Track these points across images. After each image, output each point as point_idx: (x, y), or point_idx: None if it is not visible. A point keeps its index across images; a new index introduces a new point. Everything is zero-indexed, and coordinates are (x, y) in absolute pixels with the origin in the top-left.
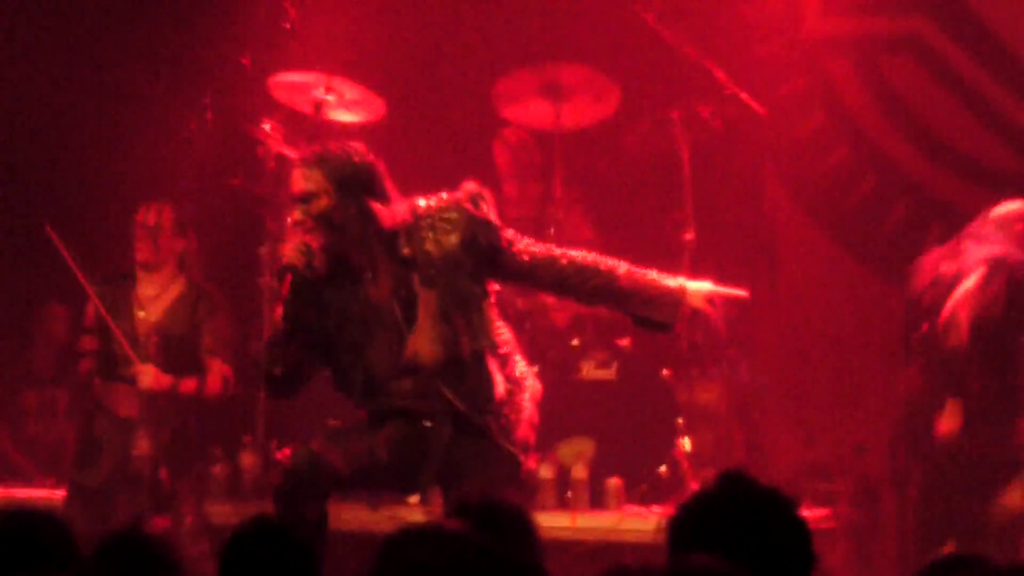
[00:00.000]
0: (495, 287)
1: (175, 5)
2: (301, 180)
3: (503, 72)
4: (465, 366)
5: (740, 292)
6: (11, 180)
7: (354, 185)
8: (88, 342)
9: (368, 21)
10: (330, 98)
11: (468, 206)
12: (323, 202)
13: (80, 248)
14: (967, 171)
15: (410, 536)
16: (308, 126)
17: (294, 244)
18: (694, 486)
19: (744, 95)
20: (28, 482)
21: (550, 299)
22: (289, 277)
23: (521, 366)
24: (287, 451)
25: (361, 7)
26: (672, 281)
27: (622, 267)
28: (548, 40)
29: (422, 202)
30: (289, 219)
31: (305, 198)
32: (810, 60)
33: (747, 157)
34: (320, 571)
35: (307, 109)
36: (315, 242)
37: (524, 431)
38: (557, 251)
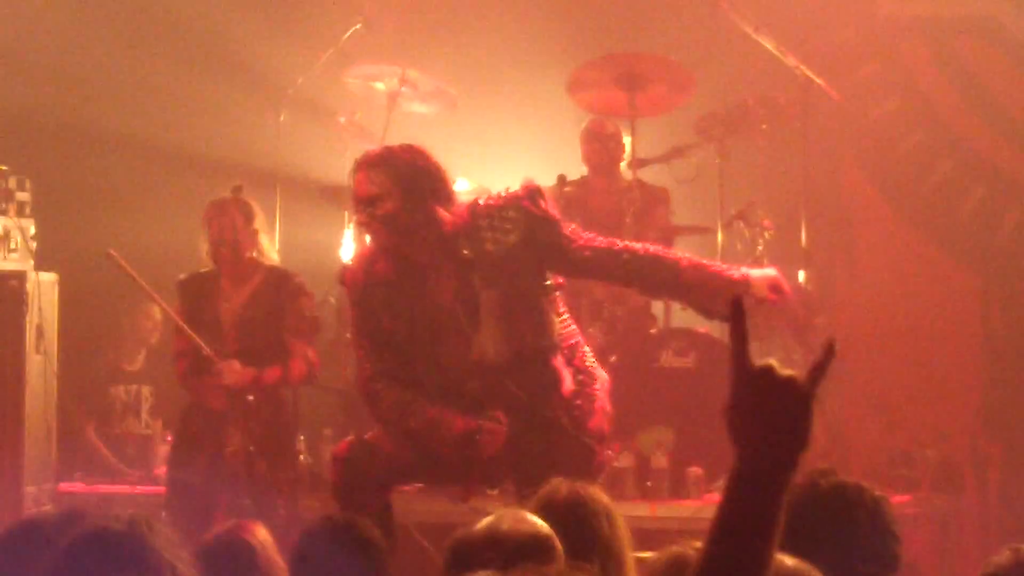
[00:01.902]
0: (559, 279)
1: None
2: (366, 183)
3: (578, 62)
4: (530, 363)
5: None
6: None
7: (419, 188)
8: (180, 342)
9: (444, 12)
10: (405, 90)
11: (526, 203)
12: (388, 205)
13: (179, 223)
14: None
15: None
16: (383, 118)
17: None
18: None
19: (820, 81)
20: (113, 477)
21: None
22: (352, 293)
23: (590, 356)
24: (343, 444)
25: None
26: (736, 271)
27: (685, 259)
28: (623, 30)
29: (481, 200)
30: (354, 221)
31: (370, 201)
32: (885, 44)
33: (823, 143)
34: (387, 565)
35: (382, 101)
36: (380, 244)
37: (598, 420)
38: (619, 244)
